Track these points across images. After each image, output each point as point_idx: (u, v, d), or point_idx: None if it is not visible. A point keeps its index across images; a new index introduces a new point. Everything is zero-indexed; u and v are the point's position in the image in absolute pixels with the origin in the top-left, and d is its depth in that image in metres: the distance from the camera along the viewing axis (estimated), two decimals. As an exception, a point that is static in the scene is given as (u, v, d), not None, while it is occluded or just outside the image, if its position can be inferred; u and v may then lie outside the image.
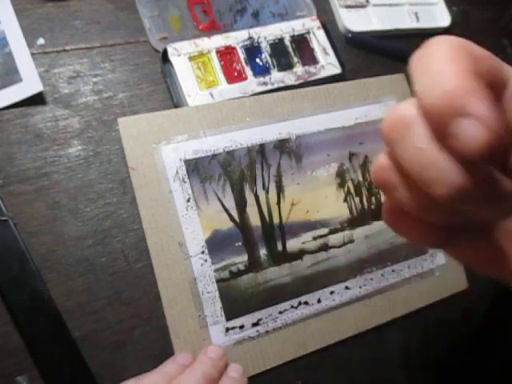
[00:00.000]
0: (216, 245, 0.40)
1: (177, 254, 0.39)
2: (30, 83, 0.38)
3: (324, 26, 0.50)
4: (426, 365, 0.47)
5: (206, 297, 0.39)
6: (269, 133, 0.44)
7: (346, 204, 0.46)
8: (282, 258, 0.42)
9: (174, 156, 0.41)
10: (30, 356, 0.35)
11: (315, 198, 0.45)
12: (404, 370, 0.46)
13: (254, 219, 0.42)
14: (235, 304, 0.40)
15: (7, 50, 0.39)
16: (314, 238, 0.44)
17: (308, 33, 0.49)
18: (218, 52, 0.45)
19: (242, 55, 0.46)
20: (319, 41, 0.49)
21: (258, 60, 0.47)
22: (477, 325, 0.49)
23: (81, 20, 0.43)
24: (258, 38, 0.47)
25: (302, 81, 0.47)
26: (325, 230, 0.44)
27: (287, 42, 0.48)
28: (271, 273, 0.42)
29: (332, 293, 0.43)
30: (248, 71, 0.46)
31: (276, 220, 0.43)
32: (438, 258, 0.48)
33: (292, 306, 0.42)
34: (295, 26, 0.49)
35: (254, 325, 0.41)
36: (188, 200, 0.40)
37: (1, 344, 0.35)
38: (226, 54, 0.46)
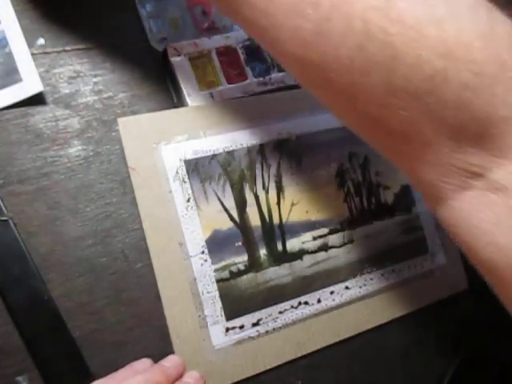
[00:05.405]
0: (216, 245, 0.40)
1: (177, 253, 0.39)
2: (30, 83, 0.38)
3: (324, 27, 0.50)
4: (426, 365, 0.47)
5: (205, 297, 0.39)
6: (269, 133, 0.44)
7: (345, 204, 0.46)
8: (282, 258, 0.43)
9: (173, 156, 0.41)
10: (30, 356, 0.35)
11: (315, 197, 0.45)
12: (404, 369, 0.46)
13: (254, 219, 0.42)
14: (235, 304, 0.40)
15: (7, 50, 0.39)
16: (314, 238, 0.44)
17: (308, 33, 0.49)
18: (218, 52, 0.45)
19: (242, 55, 0.46)
20: (319, 41, 0.49)
21: (258, 60, 0.47)
22: (477, 325, 0.49)
23: (81, 20, 0.43)
24: (258, 38, 0.47)
25: (301, 81, 0.47)
26: (325, 230, 0.44)
27: (287, 42, 0.48)
28: (271, 273, 0.42)
29: (332, 293, 0.43)
30: (248, 71, 0.46)
31: (276, 220, 0.43)
32: (438, 258, 0.48)
33: (292, 306, 0.42)
34: (295, 26, 0.49)
35: (254, 325, 0.41)
36: (188, 200, 0.40)
37: (1, 344, 0.35)
38: (226, 54, 0.46)
